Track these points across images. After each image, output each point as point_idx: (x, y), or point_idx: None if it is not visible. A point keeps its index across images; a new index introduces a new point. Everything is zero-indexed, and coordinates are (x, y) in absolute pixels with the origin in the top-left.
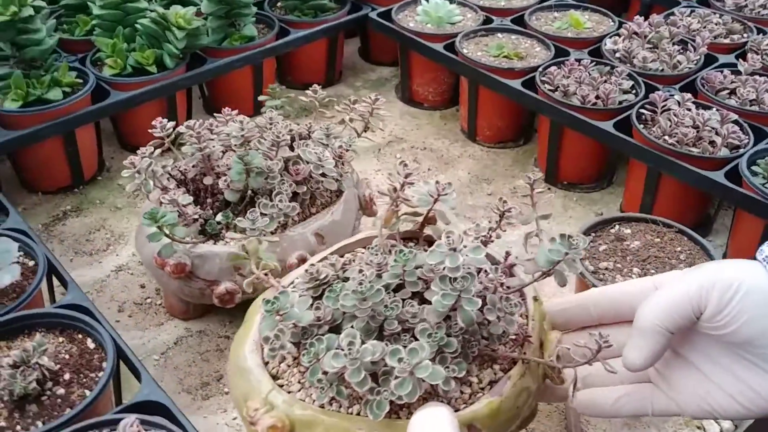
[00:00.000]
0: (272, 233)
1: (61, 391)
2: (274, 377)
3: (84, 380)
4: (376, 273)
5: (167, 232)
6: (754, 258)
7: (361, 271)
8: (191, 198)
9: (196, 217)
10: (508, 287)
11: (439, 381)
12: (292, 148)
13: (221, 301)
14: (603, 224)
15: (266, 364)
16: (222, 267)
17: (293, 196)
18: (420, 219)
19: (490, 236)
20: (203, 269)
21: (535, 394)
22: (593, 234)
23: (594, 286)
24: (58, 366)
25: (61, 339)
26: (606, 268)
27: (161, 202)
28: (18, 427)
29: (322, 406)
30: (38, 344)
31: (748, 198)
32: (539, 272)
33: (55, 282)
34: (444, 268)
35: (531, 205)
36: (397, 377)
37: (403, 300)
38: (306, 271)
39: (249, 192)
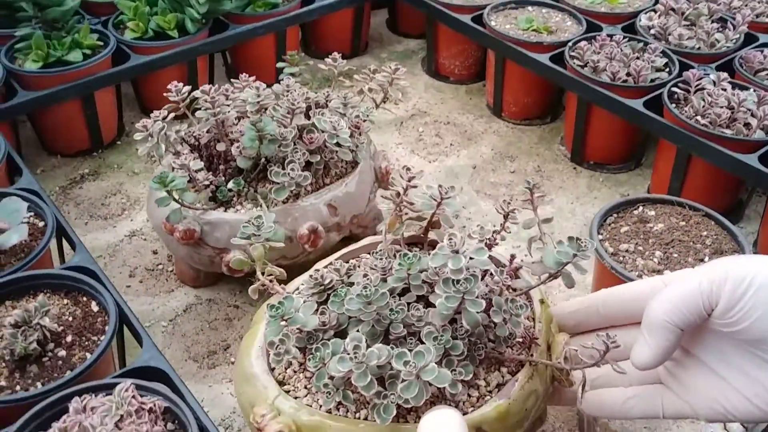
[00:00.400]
0: (284, 202)
1: (62, 353)
2: (281, 383)
3: (86, 343)
4: (381, 277)
5: (176, 197)
6: None
7: (365, 275)
8: (202, 163)
9: (207, 183)
10: (514, 289)
11: (445, 384)
12: (308, 117)
13: (230, 270)
14: (626, 205)
15: (272, 369)
16: (231, 234)
17: (306, 165)
18: (424, 223)
19: (495, 239)
20: (212, 236)
21: (544, 396)
22: (615, 215)
23: (612, 268)
24: (61, 328)
25: (65, 301)
26: (626, 251)
27: (173, 167)
28: (18, 387)
29: (329, 411)
30: (41, 305)
31: None
32: (546, 274)
33: (66, 246)
34: (447, 271)
35: (532, 209)
36: (403, 380)
37: (408, 304)
38: (310, 276)
39: (262, 160)
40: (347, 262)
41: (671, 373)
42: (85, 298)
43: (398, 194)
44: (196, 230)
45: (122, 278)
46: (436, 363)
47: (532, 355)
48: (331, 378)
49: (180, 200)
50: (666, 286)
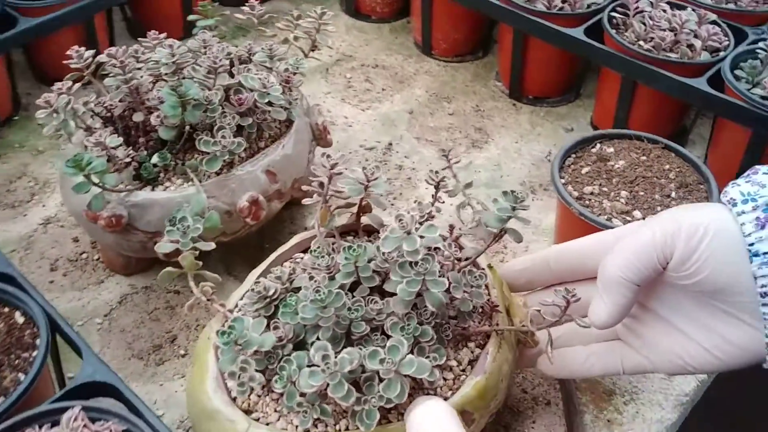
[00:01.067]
0: (217, 174)
1: None
2: (247, 411)
3: (16, 362)
4: (328, 276)
5: (96, 180)
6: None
7: (311, 278)
8: (121, 139)
9: (129, 160)
10: (465, 259)
11: (426, 374)
12: (231, 75)
13: (167, 255)
14: (583, 143)
15: (234, 399)
16: (163, 216)
17: (238, 129)
18: (354, 209)
19: (431, 212)
20: (143, 220)
21: (513, 362)
22: (574, 155)
23: (581, 214)
24: None
25: None
26: (591, 193)
27: (86, 146)
28: None
29: (306, 431)
30: None
31: (733, 105)
32: (491, 236)
33: None
34: (402, 254)
35: (453, 176)
36: (382, 380)
37: (364, 298)
38: (252, 290)
39: (186, 128)
40: (281, 265)
41: (629, 329)
42: (6, 309)
43: (322, 185)
44: (123, 215)
45: (43, 274)
46: (409, 354)
47: (497, 324)
48: (303, 395)
49: (101, 184)
50: (617, 240)
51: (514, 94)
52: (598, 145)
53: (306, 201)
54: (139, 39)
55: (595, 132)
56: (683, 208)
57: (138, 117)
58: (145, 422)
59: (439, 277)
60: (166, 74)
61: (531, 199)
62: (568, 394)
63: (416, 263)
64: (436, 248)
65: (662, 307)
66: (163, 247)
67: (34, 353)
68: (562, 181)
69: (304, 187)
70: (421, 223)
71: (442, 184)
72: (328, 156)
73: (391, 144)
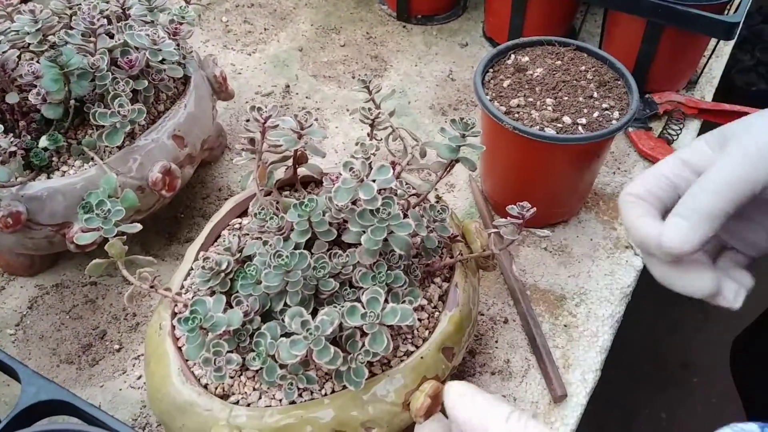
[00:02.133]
0: (119, 148)
1: None
2: (223, 397)
3: None
4: (282, 237)
5: None
6: None
7: (265, 242)
8: (0, 127)
9: (14, 149)
10: (418, 195)
11: (409, 320)
12: (110, 36)
13: (79, 246)
14: (497, 56)
15: (206, 387)
16: (68, 204)
17: (132, 95)
18: (290, 162)
19: (374, 152)
20: (44, 213)
21: (477, 287)
22: (492, 70)
23: (515, 128)
24: None
25: None
26: (518, 105)
27: None
28: None
29: (293, 403)
30: None
31: None
32: (443, 166)
33: None
34: (360, 203)
35: (377, 108)
36: (365, 334)
37: (325, 253)
38: (203, 267)
39: (72, 102)
40: (218, 237)
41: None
42: None
43: (253, 141)
44: (21, 211)
45: None
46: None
47: (460, 254)
48: (283, 367)
49: None
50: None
51: (402, 16)
52: (513, 56)
53: (238, 160)
54: None
55: (507, 43)
56: (745, 121)
57: (12, 98)
58: (111, 431)
59: (403, 219)
60: (31, 44)
61: (445, 121)
62: (524, 308)
63: (377, 210)
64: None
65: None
66: (83, 238)
67: None
68: (488, 97)
69: (238, 145)
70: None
71: (378, 121)
72: (259, 108)
73: (288, 86)
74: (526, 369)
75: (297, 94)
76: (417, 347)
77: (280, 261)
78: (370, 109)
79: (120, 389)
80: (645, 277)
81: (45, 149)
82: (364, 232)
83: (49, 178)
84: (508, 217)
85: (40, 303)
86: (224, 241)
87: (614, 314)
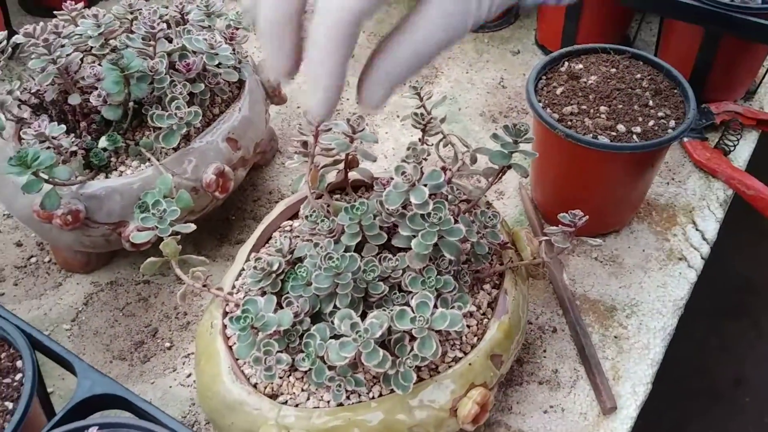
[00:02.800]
0: (175, 149)
1: None
2: (272, 396)
3: None
4: (333, 240)
5: (46, 177)
6: None
7: (316, 244)
8: (63, 127)
9: (75, 149)
10: (468, 201)
11: (458, 326)
12: (169, 40)
13: (134, 245)
14: (550, 64)
15: (255, 386)
16: (125, 204)
17: (189, 98)
18: (341, 166)
19: (425, 157)
20: (102, 211)
21: (527, 296)
22: (545, 77)
23: (567, 135)
24: None
25: None
26: (572, 113)
27: (21, 139)
28: None
29: (340, 405)
30: None
31: (684, 5)
32: (494, 172)
33: None
34: (411, 207)
35: (428, 114)
36: (413, 339)
37: (374, 257)
38: (255, 268)
39: (131, 104)
40: (270, 238)
41: None
42: None
43: (305, 144)
44: (81, 210)
45: None
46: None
47: (510, 261)
48: (332, 368)
49: (52, 180)
50: None
51: None
52: (566, 63)
53: (290, 163)
54: (54, 12)
55: (561, 50)
56: None
57: (74, 99)
58: (165, 427)
59: (454, 224)
60: (94, 48)
61: (495, 128)
62: (573, 318)
63: (428, 215)
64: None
65: None
66: (138, 236)
67: (17, 377)
68: (540, 104)
69: (290, 148)
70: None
71: (430, 126)
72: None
73: None
74: (574, 380)
75: (348, 99)
76: (465, 353)
77: (331, 263)
78: (422, 114)
79: (170, 386)
80: (697, 289)
81: (104, 149)
82: (414, 236)
83: (107, 177)
84: (560, 225)
85: (95, 300)
86: (275, 242)
87: (666, 327)
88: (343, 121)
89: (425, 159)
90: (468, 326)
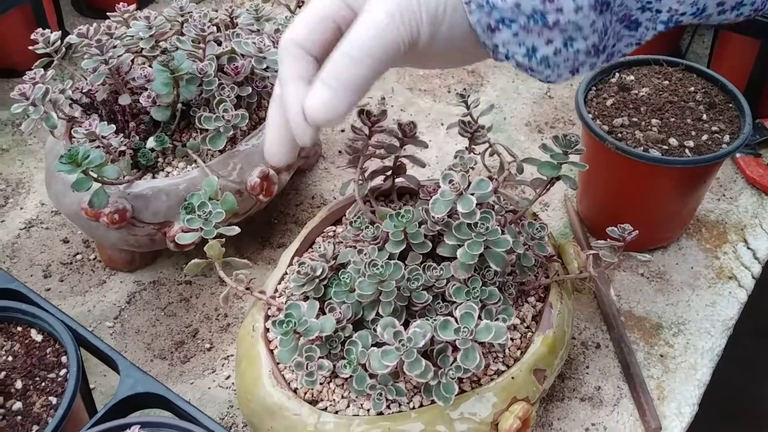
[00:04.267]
0: (221, 152)
1: (17, 405)
2: (312, 402)
3: (43, 384)
4: (377, 247)
5: (95, 175)
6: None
7: (360, 251)
8: (113, 126)
9: (123, 148)
10: (515, 212)
11: (502, 338)
12: (218, 43)
13: (178, 246)
14: (601, 75)
15: (295, 392)
16: (170, 204)
17: (236, 101)
18: (388, 172)
19: (473, 166)
20: (148, 211)
21: (572, 311)
22: (594, 88)
23: (617, 148)
24: (3, 373)
25: None
26: (622, 125)
27: (71, 137)
28: None
29: (380, 414)
30: None
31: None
32: (542, 184)
33: None
34: (458, 215)
35: (475, 122)
36: (456, 350)
37: (419, 266)
38: (298, 272)
39: (179, 106)
40: (313, 243)
41: None
42: (19, 328)
43: (355, 148)
44: (127, 209)
45: (36, 282)
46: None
47: (556, 274)
48: (373, 376)
49: (101, 178)
50: None
51: None
52: (617, 75)
53: (341, 166)
54: (84, 13)
55: (612, 61)
56: None
57: (124, 100)
58: (204, 428)
59: (501, 235)
60: (144, 49)
61: (541, 138)
62: (618, 335)
63: (475, 224)
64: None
65: None
66: (184, 237)
67: (62, 372)
68: (590, 116)
69: (345, 141)
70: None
71: (477, 135)
72: (368, 112)
73: (383, 98)
74: (618, 398)
75: (392, 106)
76: (508, 367)
77: (375, 270)
78: (469, 122)
79: (209, 388)
80: (746, 310)
81: (152, 150)
82: (460, 245)
83: (154, 177)
84: (608, 239)
85: (138, 298)
86: (318, 247)
87: (714, 347)
88: (395, 125)
89: (472, 168)
90: (512, 339)
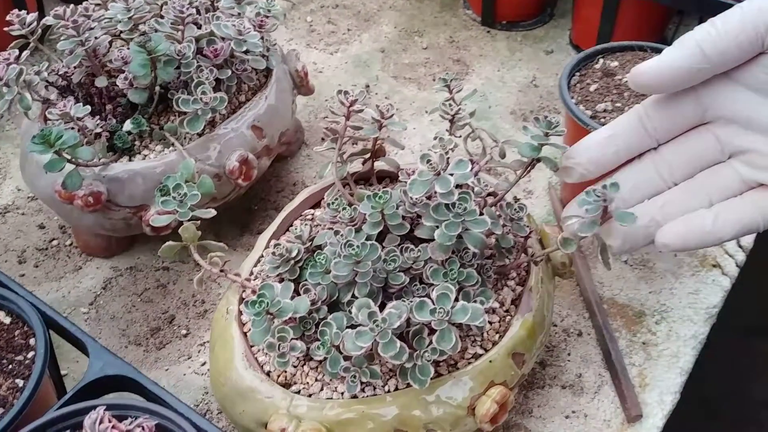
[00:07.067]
0: (199, 135)
1: None
2: (285, 385)
3: (9, 367)
4: (354, 228)
5: (69, 156)
6: None
7: (337, 232)
8: (88, 108)
9: (99, 130)
10: (495, 195)
11: (479, 320)
12: (198, 26)
13: (154, 229)
14: (585, 60)
15: (268, 375)
16: (147, 187)
17: (215, 84)
18: (367, 155)
19: (452, 147)
20: (124, 194)
21: (552, 293)
22: (578, 74)
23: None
24: None
25: None
26: (605, 110)
27: (46, 119)
28: None
29: (354, 397)
30: None
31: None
32: (522, 165)
33: None
34: (436, 196)
35: (458, 107)
36: (433, 331)
37: (396, 247)
38: (273, 253)
39: (157, 89)
40: (291, 225)
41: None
42: None
43: (334, 130)
44: (102, 192)
45: (11, 268)
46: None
47: (533, 256)
48: (348, 359)
49: (75, 160)
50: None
51: (487, 21)
52: (601, 60)
53: (319, 149)
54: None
55: (596, 47)
56: None
57: (101, 82)
58: (175, 412)
59: (479, 215)
60: (123, 32)
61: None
62: (600, 322)
63: (453, 205)
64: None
65: None
66: (158, 220)
67: (29, 354)
68: (573, 101)
69: (325, 125)
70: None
71: (458, 117)
72: (346, 92)
73: (368, 86)
74: (599, 385)
75: (376, 94)
76: (486, 350)
77: (351, 251)
78: (450, 104)
79: (184, 374)
80: (732, 300)
81: (128, 133)
82: (437, 226)
83: (130, 161)
84: (586, 207)
85: (114, 284)
86: (295, 229)
87: (698, 335)
88: (373, 108)
89: (452, 150)
90: (490, 323)
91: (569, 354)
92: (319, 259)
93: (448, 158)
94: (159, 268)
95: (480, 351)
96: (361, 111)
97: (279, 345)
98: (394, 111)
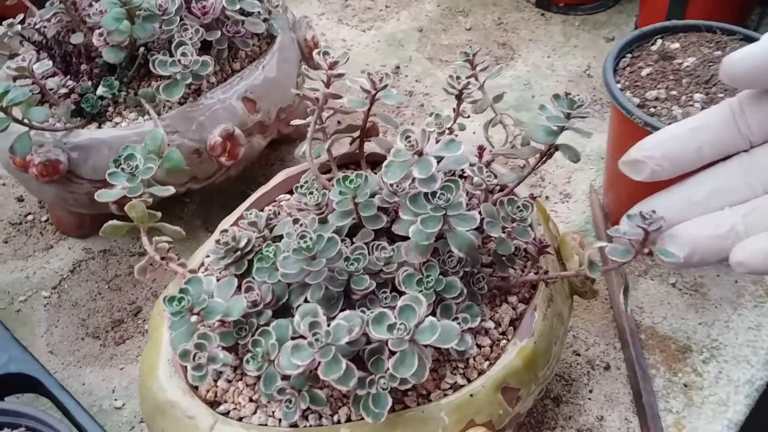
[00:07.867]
0: (180, 104)
1: None
2: (213, 403)
3: None
4: (319, 218)
5: (20, 117)
6: None
7: (296, 220)
8: (50, 63)
9: (65, 91)
10: (499, 190)
11: (452, 342)
12: None
13: (121, 208)
14: (639, 40)
15: (196, 388)
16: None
17: (203, 46)
18: (356, 132)
19: (451, 127)
20: (87, 165)
21: (567, 318)
22: (629, 56)
23: (646, 124)
24: None
25: None
26: (657, 99)
27: (13, 77)
28: None
29: (294, 426)
30: None
31: None
32: (537, 153)
33: None
34: (414, 183)
35: (480, 87)
36: (392, 353)
37: (367, 245)
38: (217, 241)
39: (141, 50)
40: (262, 210)
41: None
42: None
43: (314, 99)
44: (61, 161)
45: None
46: (430, 315)
47: (546, 272)
48: (287, 378)
49: (26, 120)
50: None
51: (542, 3)
52: (660, 41)
53: (295, 122)
54: None
55: (655, 25)
56: None
57: (77, 38)
58: (72, 422)
59: (468, 210)
60: None
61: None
62: (633, 355)
63: (434, 194)
64: (461, 175)
65: None
66: (105, 195)
67: None
68: (619, 86)
69: (294, 91)
70: (438, 141)
71: (466, 92)
72: (326, 53)
73: (398, 67)
74: None
75: (406, 76)
76: (469, 381)
77: (302, 244)
78: (458, 77)
79: (138, 375)
80: None
81: (101, 97)
82: (415, 221)
83: (99, 127)
84: (624, 231)
85: (83, 268)
86: (251, 214)
87: (754, 380)
88: (364, 76)
89: (449, 130)
90: (479, 346)
91: (591, 391)
92: (267, 252)
93: (437, 137)
94: (135, 253)
95: (461, 381)
96: (341, 75)
97: (195, 354)
98: (391, 79)
